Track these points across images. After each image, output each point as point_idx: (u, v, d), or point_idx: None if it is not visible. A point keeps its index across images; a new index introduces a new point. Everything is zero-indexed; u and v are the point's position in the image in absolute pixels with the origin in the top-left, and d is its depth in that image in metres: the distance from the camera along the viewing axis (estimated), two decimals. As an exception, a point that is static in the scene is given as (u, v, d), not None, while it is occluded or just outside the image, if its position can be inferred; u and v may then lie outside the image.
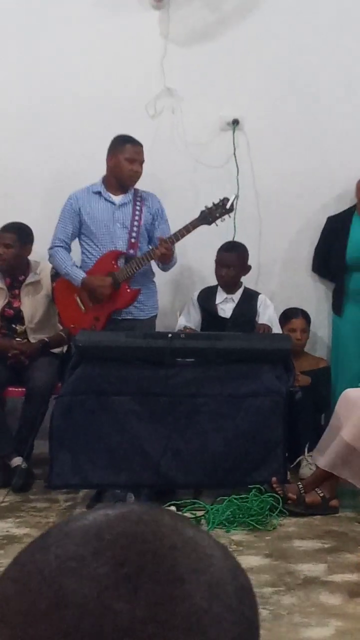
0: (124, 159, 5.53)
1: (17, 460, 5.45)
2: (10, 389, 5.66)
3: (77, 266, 5.60)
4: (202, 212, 5.43)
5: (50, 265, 5.73)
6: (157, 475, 5.06)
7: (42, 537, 0.71)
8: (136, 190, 5.67)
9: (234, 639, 0.66)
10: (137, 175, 5.59)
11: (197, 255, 5.95)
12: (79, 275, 5.50)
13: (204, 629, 0.65)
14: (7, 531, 4.77)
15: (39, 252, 5.74)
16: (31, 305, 5.74)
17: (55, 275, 5.72)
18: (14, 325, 5.75)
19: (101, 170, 5.61)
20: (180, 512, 4.88)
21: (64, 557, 0.66)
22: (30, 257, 5.79)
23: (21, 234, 5.66)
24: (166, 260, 5.46)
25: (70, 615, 0.63)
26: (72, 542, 0.68)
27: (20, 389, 5.60)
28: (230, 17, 6.08)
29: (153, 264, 5.60)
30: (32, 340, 5.71)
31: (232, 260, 5.78)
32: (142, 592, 0.64)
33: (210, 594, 0.66)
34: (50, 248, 5.62)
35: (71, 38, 6.01)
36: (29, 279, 5.75)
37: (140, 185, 5.67)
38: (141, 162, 5.57)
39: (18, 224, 5.68)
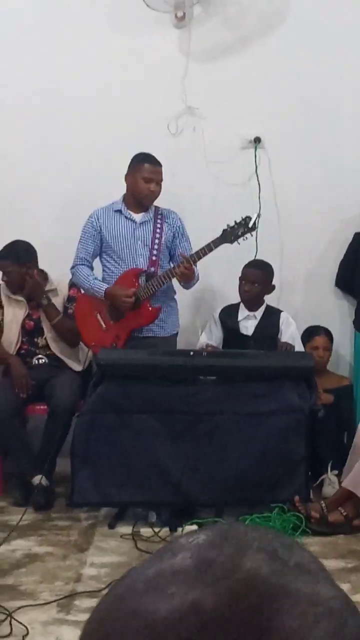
0: (141, 178, 5.54)
1: (38, 479, 5.45)
2: (32, 406, 5.67)
3: (99, 279, 5.60)
4: (224, 230, 5.41)
5: (66, 280, 5.74)
6: (178, 493, 5.05)
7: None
8: (157, 208, 5.68)
9: None
10: (154, 195, 5.59)
11: (219, 273, 5.94)
12: (102, 287, 5.51)
13: None
14: (29, 549, 4.78)
15: (56, 267, 5.74)
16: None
17: (71, 298, 5.74)
18: (35, 340, 5.76)
19: (121, 188, 5.62)
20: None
21: None
22: (52, 275, 5.79)
23: (15, 257, 5.65)
24: (187, 279, 5.45)
25: None
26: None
27: (42, 407, 5.61)
28: (250, 35, 6.09)
29: (174, 281, 5.59)
30: (54, 351, 5.73)
31: (257, 277, 5.76)
32: None
33: None
34: (72, 267, 5.63)
35: (91, 57, 6.02)
36: (46, 288, 5.76)
37: (161, 203, 5.67)
38: (158, 181, 5.57)
39: (12, 247, 5.66)
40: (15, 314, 5.76)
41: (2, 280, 5.72)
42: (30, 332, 5.77)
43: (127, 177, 5.59)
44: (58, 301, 5.77)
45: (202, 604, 0.62)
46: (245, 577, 0.63)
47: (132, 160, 5.58)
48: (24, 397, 5.54)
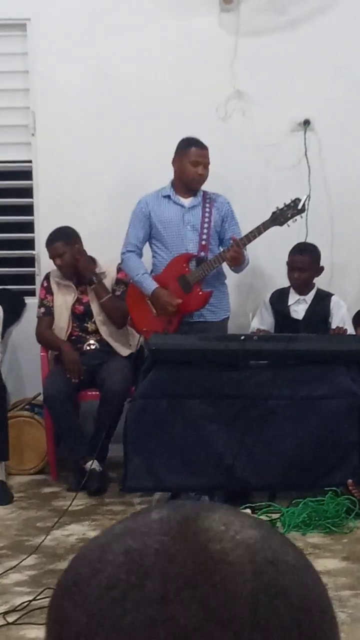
0: (189, 162, 5.53)
1: (91, 464, 5.48)
2: (84, 393, 5.70)
3: (148, 273, 5.61)
4: (273, 213, 5.41)
5: (114, 260, 5.76)
6: (231, 478, 5.05)
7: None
8: (205, 193, 5.67)
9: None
10: (201, 178, 5.58)
11: (269, 257, 5.92)
12: (151, 286, 5.51)
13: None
14: (83, 534, 4.82)
15: (107, 255, 5.76)
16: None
17: (119, 281, 5.76)
18: (85, 325, 5.79)
19: (170, 174, 5.62)
20: (255, 514, 4.88)
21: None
22: (100, 261, 5.81)
23: (66, 237, 5.71)
24: (237, 262, 5.44)
25: None
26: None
27: (94, 393, 5.64)
28: (300, 17, 6.05)
29: (224, 266, 5.58)
30: (103, 335, 5.76)
31: (305, 262, 5.73)
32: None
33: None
34: (123, 253, 5.63)
35: (140, 43, 6.03)
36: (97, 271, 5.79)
37: (210, 187, 5.66)
38: (206, 164, 5.56)
39: (58, 230, 5.73)
40: (65, 299, 5.80)
41: (55, 264, 5.74)
42: (80, 316, 5.80)
43: (174, 161, 5.59)
44: (106, 283, 5.80)
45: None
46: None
47: (179, 144, 5.57)
48: (76, 381, 5.58)
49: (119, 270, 5.80)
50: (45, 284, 5.86)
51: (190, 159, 5.53)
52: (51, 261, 5.83)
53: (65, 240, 5.68)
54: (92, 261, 5.77)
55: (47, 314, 5.83)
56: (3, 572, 4.32)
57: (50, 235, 5.73)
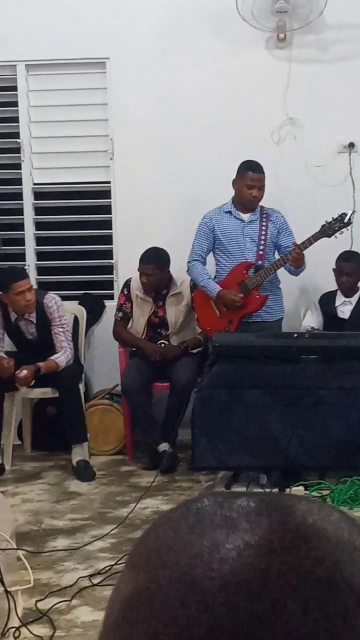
0: (245, 185, 5.54)
1: (164, 446, 5.50)
2: (156, 384, 5.72)
3: (211, 278, 5.60)
4: (322, 226, 5.39)
5: (189, 279, 5.76)
6: (286, 458, 5.03)
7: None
8: (262, 208, 5.66)
9: None
10: (256, 200, 5.58)
11: (318, 264, 5.86)
12: (215, 289, 5.52)
13: None
14: (157, 507, 4.83)
15: (176, 262, 5.75)
16: (174, 314, 5.79)
17: (193, 286, 5.75)
18: (159, 330, 5.80)
19: (230, 191, 5.61)
20: (307, 492, 4.85)
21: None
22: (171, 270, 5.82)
23: (159, 262, 5.69)
24: (298, 263, 5.41)
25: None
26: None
27: (165, 384, 5.65)
28: (342, 53, 6.00)
29: (279, 272, 5.56)
30: (174, 343, 5.75)
31: (351, 268, 5.70)
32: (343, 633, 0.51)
33: None
34: (189, 262, 5.65)
35: (204, 76, 6.03)
36: (172, 292, 5.79)
37: (266, 203, 5.65)
38: (260, 187, 5.55)
39: (155, 253, 5.68)
40: (143, 310, 5.81)
41: (141, 280, 5.70)
42: (155, 326, 5.82)
43: (234, 182, 5.59)
44: (184, 303, 5.78)
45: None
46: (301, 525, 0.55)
47: (239, 167, 5.57)
48: (157, 359, 5.61)
49: (192, 288, 5.77)
50: (125, 292, 5.85)
51: (247, 182, 5.53)
52: (127, 268, 5.86)
53: (157, 264, 5.67)
54: (169, 280, 5.77)
55: (124, 319, 5.85)
56: (89, 541, 4.36)
57: (147, 253, 5.67)
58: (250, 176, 5.53)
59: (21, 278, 5.47)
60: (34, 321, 5.60)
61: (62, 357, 5.53)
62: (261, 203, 5.65)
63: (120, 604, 0.55)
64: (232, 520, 0.55)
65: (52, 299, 5.62)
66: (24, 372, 5.33)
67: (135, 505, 4.75)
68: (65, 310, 5.72)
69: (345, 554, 0.54)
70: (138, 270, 5.71)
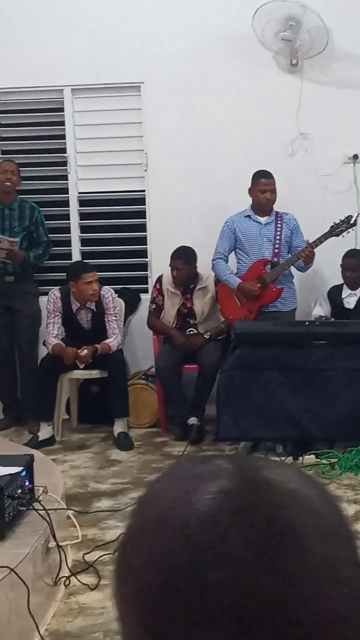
0: (259, 191, 5.54)
1: (192, 420, 5.52)
2: (186, 366, 5.73)
3: (233, 273, 5.60)
4: (331, 227, 5.38)
5: (213, 275, 5.76)
6: (299, 430, 5.03)
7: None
8: (277, 212, 5.65)
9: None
10: (269, 202, 5.57)
11: (326, 261, 5.85)
12: (236, 281, 5.52)
13: (329, 574, 0.56)
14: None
15: (202, 261, 5.76)
16: (200, 306, 5.79)
17: (217, 280, 5.75)
18: (187, 319, 5.81)
19: (246, 199, 5.61)
20: (317, 459, 4.85)
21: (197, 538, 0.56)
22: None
23: (188, 258, 5.69)
24: (309, 260, 5.42)
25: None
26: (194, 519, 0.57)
27: (193, 366, 5.66)
28: (346, 77, 5.97)
29: (292, 268, 5.56)
30: (201, 330, 5.75)
31: (355, 265, 5.68)
32: (277, 563, 0.55)
33: (322, 538, 0.57)
34: (213, 260, 5.65)
35: (226, 97, 6.01)
36: (199, 286, 5.79)
37: (280, 208, 5.64)
38: (272, 190, 5.54)
39: (184, 251, 5.68)
40: (173, 302, 5.81)
41: (172, 274, 5.70)
42: (184, 316, 5.82)
43: (250, 190, 5.60)
44: (209, 296, 5.77)
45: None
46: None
47: (253, 176, 5.58)
48: (181, 350, 5.62)
49: (216, 283, 5.76)
50: (158, 286, 5.86)
51: (260, 188, 5.53)
52: (159, 266, 5.88)
53: (186, 260, 5.67)
54: (196, 275, 5.77)
55: (157, 310, 5.86)
56: (128, 502, 4.39)
57: (177, 250, 5.68)
58: (262, 182, 5.53)
59: (90, 270, 5.60)
60: (93, 309, 5.65)
61: (114, 342, 5.59)
62: (276, 208, 5.64)
63: (121, 540, 0.62)
64: (203, 474, 0.61)
65: (108, 290, 5.68)
66: (85, 351, 5.42)
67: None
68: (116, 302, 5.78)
69: (292, 500, 0.58)
70: (169, 265, 5.72)
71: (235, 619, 0.54)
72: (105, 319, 5.64)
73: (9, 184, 5.86)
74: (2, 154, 6.29)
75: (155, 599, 0.56)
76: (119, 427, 5.54)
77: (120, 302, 6.01)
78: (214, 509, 0.57)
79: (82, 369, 5.56)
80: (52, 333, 5.58)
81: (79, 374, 5.71)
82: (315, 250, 5.38)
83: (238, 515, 0.57)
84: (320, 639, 0.55)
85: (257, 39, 5.77)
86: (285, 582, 0.54)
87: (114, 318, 5.66)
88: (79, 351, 5.42)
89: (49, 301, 5.66)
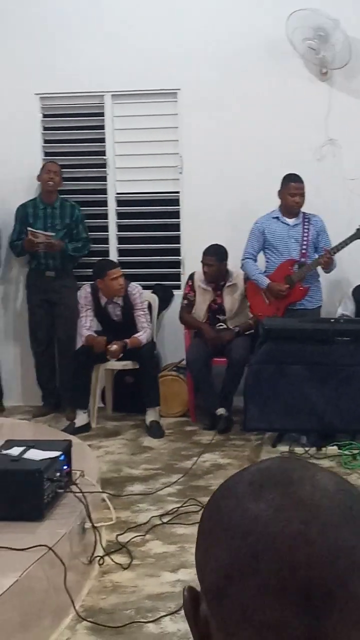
0: (288, 194, 5.51)
1: (221, 410, 5.53)
2: (215, 359, 5.74)
3: (262, 273, 5.60)
4: (357, 229, 5.35)
5: (242, 273, 5.76)
6: (322, 422, 5.03)
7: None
8: (304, 214, 5.63)
9: None
10: (298, 205, 5.55)
11: (353, 261, 5.82)
12: (265, 281, 5.52)
13: None
14: (215, 461, 4.88)
15: (232, 260, 5.75)
16: (230, 302, 5.79)
17: (246, 278, 5.75)
18: (217, 316, 5.82)
19: (274, 201, 5.60)
20: (340, 450, 4.84)
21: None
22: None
23: (219, 255, 5.68)
24: (327, 266, 5.41)
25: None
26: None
27: (222, 360, 5.67)
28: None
29: (319, 267, 5.54)
30: (230, 326, 5.76)
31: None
32: None
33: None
34: (243, 259, 5.65)
35: (257, 103, 5.99)
36: (228, 283, 5.79)
37: (308, 209, 5.62)
38: (302, 194, 5.51)
39: (216, 248, 5.67)
40: (204, 298, 5.81)
41: (203, 270, 5.71)
42: (214, 311, 5.82)
43: (279, 193, 5.58)
44: (238, 293, 5.77)
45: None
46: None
47: (283, 179, 5.55)
48: (210, 344, 5.61)
49: (246, 280, 5.75)
50: (190, 283, 5.87)
51: (290, 191, 5.51)
52: (191, 264, 5.89)
53: (217, 256, 5.67)
54: (226, 272, 5.77)
55: (189, 305, 5.87)
56: (160, 487, 4.42)
57: (209, 248, 5.67)
58: (292, 186, 5.51)
59: (115, 267, 5.65)
60: (121, 304, 5.68)
61: (143, 336, 5.62)
62: (304, 210, 5.62)
63: (218, 568, 0.65)
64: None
65: (135, 287, 5.71)
66: (114, 346, 5.45)
67: (197, 459, 4.82)
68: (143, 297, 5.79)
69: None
70: (201, 261, 5.72)
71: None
72: (135, 314, 5.67)
73: (51, 183, 5.93)
74: (45, 156, 6.33)
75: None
76: (150, 416, 5.58)
77: (154, 298, 6.04)
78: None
79: (119, 359, 5.60)
80: (85, 325, 5.65)
81: (113, 364, 5.76)
82: (342, 251, 5.35)
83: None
84: None
85: (288, 42, 5.73)
86: None
87: (142, 313, 5.69)
88: (108, 347, 5.46)
89: (81, 296, 5.72)
